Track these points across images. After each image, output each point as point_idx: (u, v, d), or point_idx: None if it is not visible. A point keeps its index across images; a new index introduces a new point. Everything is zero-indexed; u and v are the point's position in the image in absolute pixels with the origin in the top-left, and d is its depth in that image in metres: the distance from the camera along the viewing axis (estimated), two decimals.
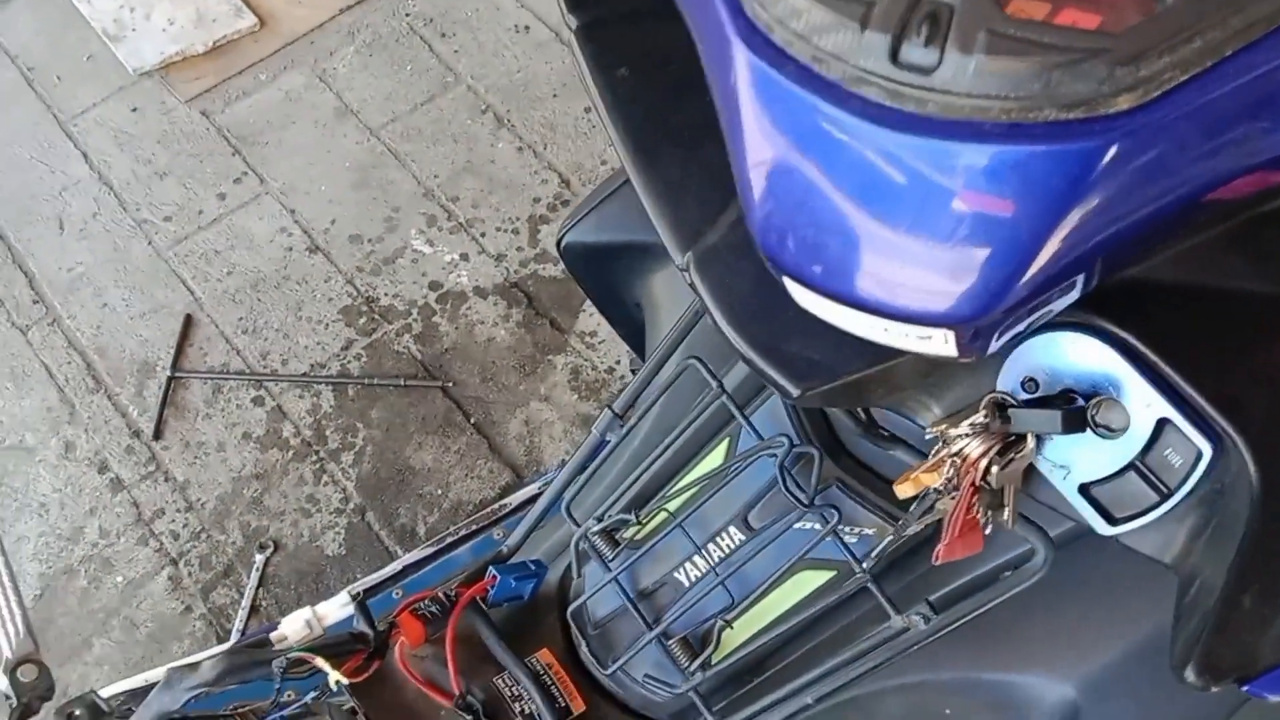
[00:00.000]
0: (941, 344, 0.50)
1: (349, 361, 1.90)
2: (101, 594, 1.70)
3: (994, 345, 0.53)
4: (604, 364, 1.88)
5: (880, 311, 0.50)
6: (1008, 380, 0.69)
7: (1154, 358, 0.59)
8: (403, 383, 1.86)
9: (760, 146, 0.48)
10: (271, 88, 2.19)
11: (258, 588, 1.69)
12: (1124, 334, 0.59)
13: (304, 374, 1.88)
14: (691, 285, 0.65)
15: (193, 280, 1.98)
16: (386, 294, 1.96)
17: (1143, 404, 0.63)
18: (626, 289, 1.07)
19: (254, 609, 1.68)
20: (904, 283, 0.47)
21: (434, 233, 2.02)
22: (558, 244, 1.09)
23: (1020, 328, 0.52)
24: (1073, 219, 0.42)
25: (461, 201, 2.06)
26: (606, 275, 1.08)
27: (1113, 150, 0.40)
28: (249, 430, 1.83)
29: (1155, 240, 0.47)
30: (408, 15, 2.28)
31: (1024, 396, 0.68)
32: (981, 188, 0.42)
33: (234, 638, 1.63)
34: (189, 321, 1.93)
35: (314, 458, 1.81)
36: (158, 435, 1.83)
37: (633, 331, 1.13)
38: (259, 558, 1.71)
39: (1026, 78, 0.39)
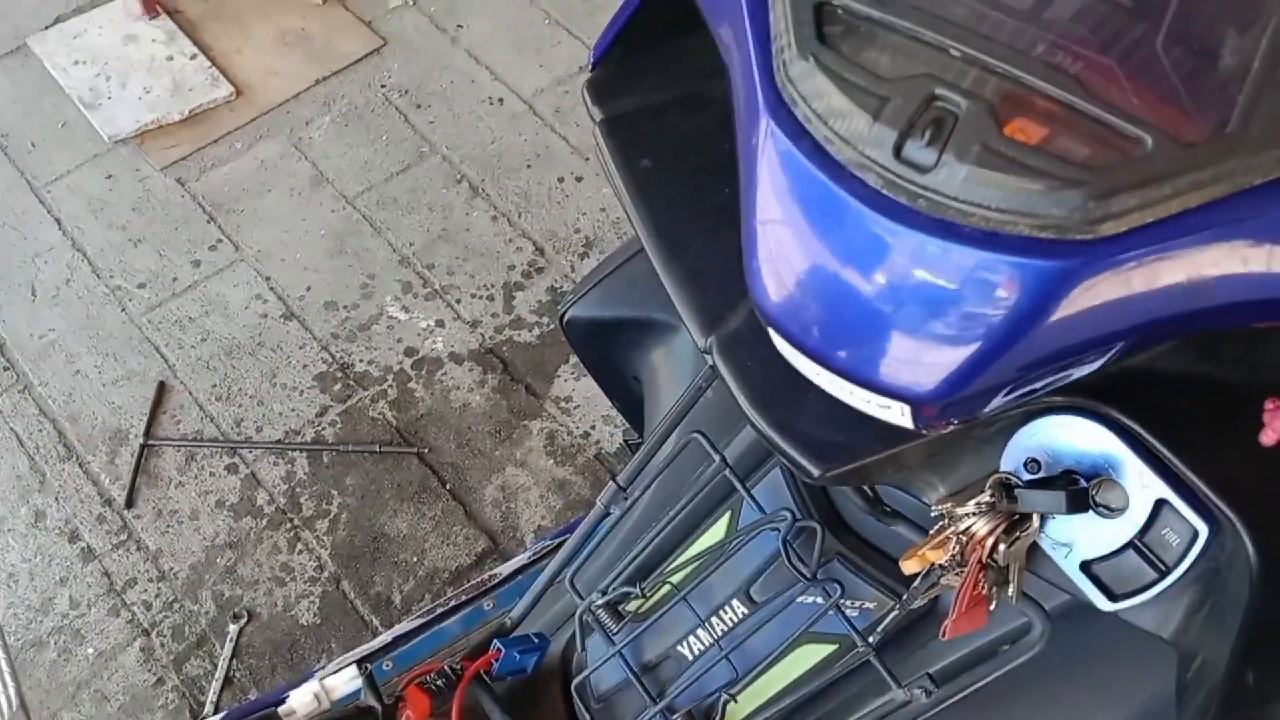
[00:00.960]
0: (899, 415, 0.54)
1: (324, 428, 1.90)
2: (72, 666, 1.67)
3: (952, 425, 0.56)
4: (579, 429, 1.90)
5: (846, 374, 0.53)
6: (1010, 461, 0.72)
7: (1152, 441, 0.62)
8: (378, 449, 1.86)
9: (767, 205, 0.52)
10: (247, 156, 2.21)
11: (231, 658, 1.67)
12: (1122, 418, 0.63)
13: (278, 441, 1.88)
14: (713, 368, 0.68)
15: (166, 347, 1.97)
16: (362, 360, 1.97)
17: (1141, 485, 0.66)
18: (627, 363, 1.10)
19: (228, 680, 1.65)
20: (868, 353, 0.51)
21: (409, 299, 2.04)
22: (560, 319, 1.12)
23: (984, 412, 0.56)
24: (1028, 330, 0.46)
25: (437, 269, 2.08)
26: (608, 350, 1.11)
27: (1073, 273, 0.44)
28: (222, 498, 1.82)
29: (1123, 350, 0.51)
30: (383, 87, 2.32)
31: (1027, 477, 0.71)
32: (948, 284, 0.46)
33: (208, 709, 1.60)
34: (162, 388, 1.92)
35: (288, 525, 1.80)
36: (130, 503, 1.81)
37: (630, 405, 1.16)
38: (233, 628, 1.69)
39: (1008, 194, 0.43)
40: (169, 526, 1.79)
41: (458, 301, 2.04)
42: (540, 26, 2.42)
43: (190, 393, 1.93)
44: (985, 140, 0.44)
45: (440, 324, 2.01)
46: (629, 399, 1.16)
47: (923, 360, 0.49)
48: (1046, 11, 0.46)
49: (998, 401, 0.55)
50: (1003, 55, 0.45)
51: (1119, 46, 0.45)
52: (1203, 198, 0.43)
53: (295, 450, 1.87)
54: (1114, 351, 0.53)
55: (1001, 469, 0.72)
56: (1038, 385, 0.55)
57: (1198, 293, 0.47)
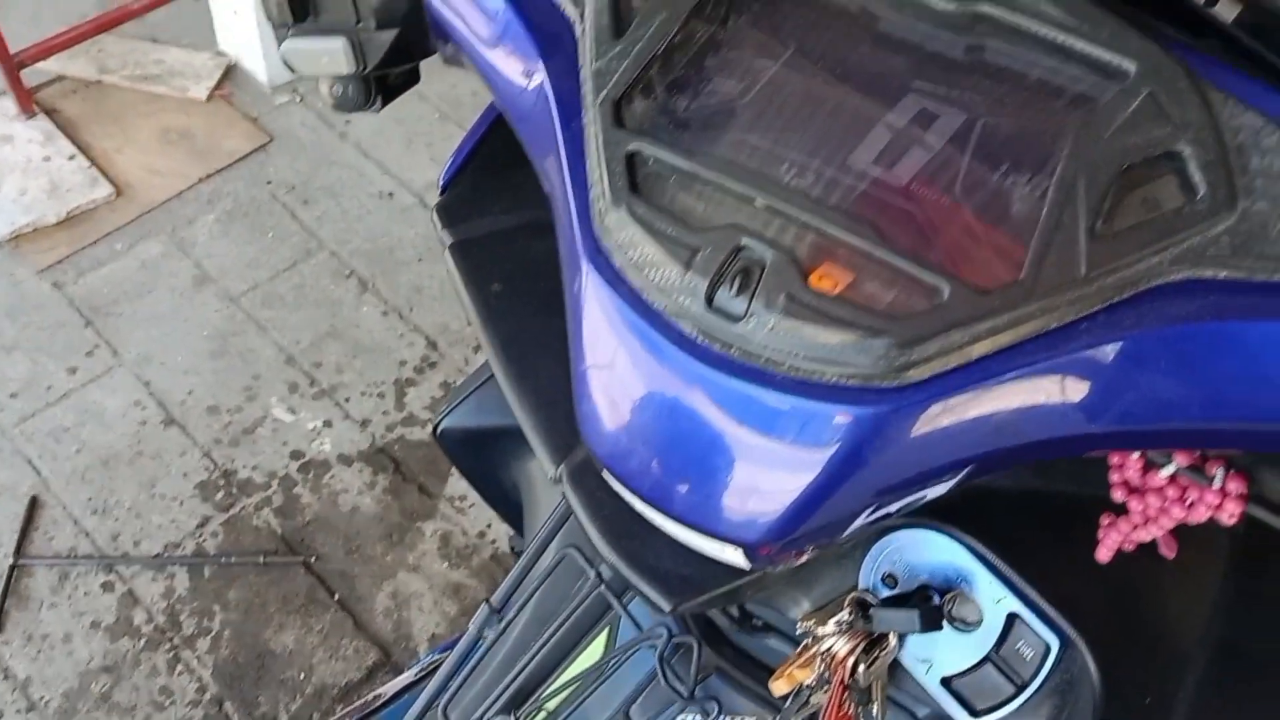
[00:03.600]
0: (733, 554, 0.54)
1: (205, 539, 1.83)
2: None
3: (794, 562, 0.57)
4: (474, 529, 1.87)
5: (677, 519, 0.53)
6: (868, 576, 0.72)
7: (994, 560, 0.63)
8: (262, 560, 1.80)
9: (590, 350, 0.51)
10: (128, 257, 2.16)
11: None
12: (965, 538, 0.64)
13: (157, 555, 1.80)
14: (564, 497, 0.67)
15: (39, 459, 1.89)
16: (245, 466, 1.91)
17: (993, 599, 0.67)
18: (505, 472, 1.08)
19: None
20: (696, 499, 0.51)
21: (296, 400, 2.00)
22: (434, 430, 1.10)
23: (827, 545, 0.56)
24: (845, 475, 0.46)
25: (325, 367, 2.04)
26: (484, 459, 1.09)
27: (882, 419, 0.45)
28: (98, 618, 1.73)
29: (944, 483, 0.52)
30: (269, 183, 2.29)
31: (885, 592, 0.72)
32: (765, 432, 0.46)
33: None
34: (34, 503, 1.84)
35: (168, 645, 1.72)
36: None
37: (512, 512, 1.14)
38: None
39: (814, 344, 0.44)
40: (40, 651, 1.70)
41: (347, 400, 2.00)
42: (430, 120, 2.43)
43: (64, 507, 1.85)
44: (790, 290, 0.45)
45: (328, 424, 1.97)
46: (511, 507, 1.14)
47: (748, 506, 0.49)
48: (848, 159, 0.47)
49: (839, 535, 0.55)
50: (803, 204, 0.46)
51: (916, 194, 0.45)
52: (1000, 343, 0.44)
53: (175, 564, 1.80)
54: (959, 476, 0.54)
55: (860, 585, 0.73)
56: (879, 516, 0.55)
57: (1010, 431, 0.47)
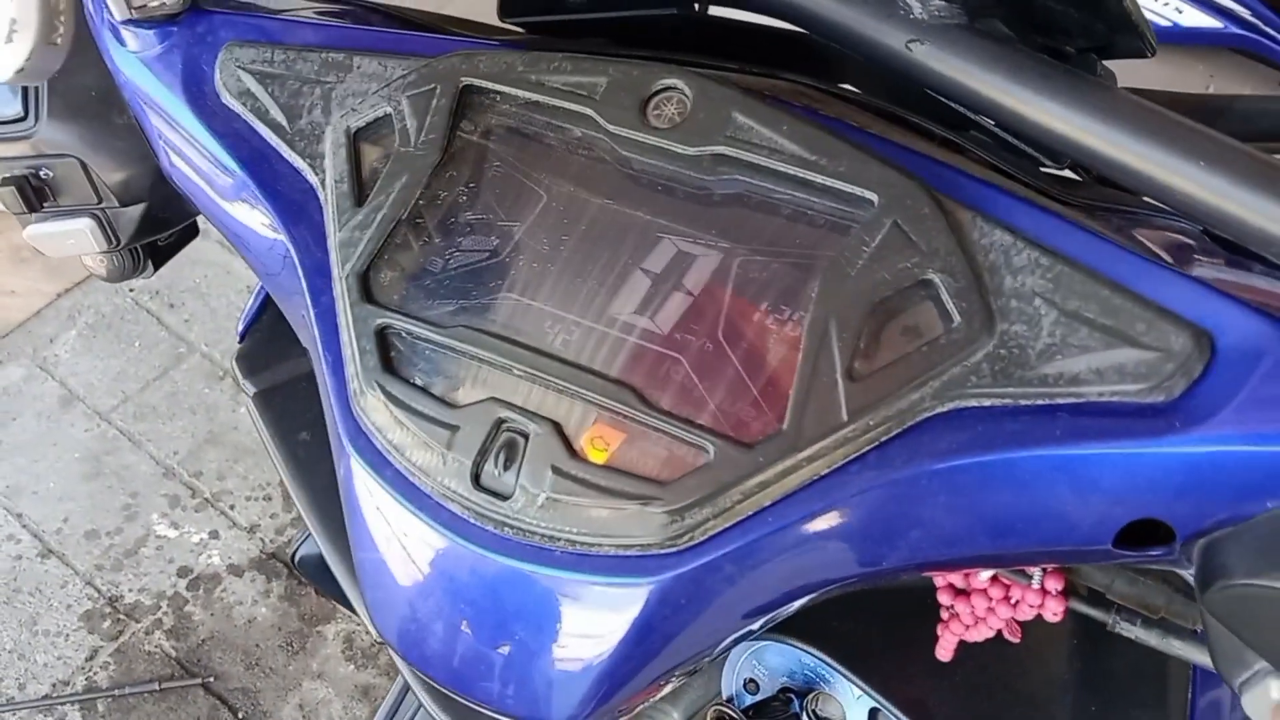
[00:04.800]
0: None
1: (95, 673, 1.74)
2: None
3: (653, 698, 0.54)
4: None
5: (483, 706, 0.50)
6: (730, 683, 0.71)
7: (840, 669, 0.61)
8: (158, 687, 1.72)
9: (363, 538, 0.49)
10: None
11: None
12: (812, 650, 0.62)
13: (44, 696, 1.71)
14: (397, 663, 0.64)
15: None
16: (131, 589, 1.83)
17: (853, 696, 0.66)
18: None
19: None
20: (496, 686, 0.48)
21: (178, 514, 1.92)
22: (291, 559, 1.05)
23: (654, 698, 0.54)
24: (641, 644, 0.45)
25: (206, 475, 1.97)
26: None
27: (666, 587, 0.43)
28: None
29: (769, 616, 0.50)
30: (131, 291, 2.22)
31: (747, 700, 0.70)
32: (549, 610, 0.45)
33: None
34: None
35: None
36: None
37: None
38: None
39: (586, 518, 0.42)
40: None
41: (232, 508, 1.93)
42: None
43: None
44: (555, 463, 0.43)
45: (214, 535, 1.90)
46: None
47: (553, 688, 0.47)
48: (607, 310, 0.45)
49: (687, 670, 0.53)
50: (561, 372, 0.44)
51: (677, 343, 0.44)
52: (773, 495, 0.42)
53: (66, 703, 1.70)
54: (789, 608, 0.52)
55: (722, 693, 0.71)
56: (731, 642, 0.53)
57: (804, 574, 0.46)
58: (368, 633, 1.80)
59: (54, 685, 1.73)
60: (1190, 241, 0.48)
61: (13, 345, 2.12)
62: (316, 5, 0.58)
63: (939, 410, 0.42)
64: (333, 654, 1.78)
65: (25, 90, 0.52)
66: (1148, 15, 0.98)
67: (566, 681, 0.46)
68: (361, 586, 0.50)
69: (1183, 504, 0.41)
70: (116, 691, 1.71)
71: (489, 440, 0.43)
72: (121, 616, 1.80)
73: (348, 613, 1.82)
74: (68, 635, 1.78)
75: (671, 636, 0.45)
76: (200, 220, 0.65)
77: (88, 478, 1.95)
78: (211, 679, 1.74)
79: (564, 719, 0.47)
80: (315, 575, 1.07)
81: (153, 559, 1.86)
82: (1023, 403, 0.42)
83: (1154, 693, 0.65)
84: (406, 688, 0.94)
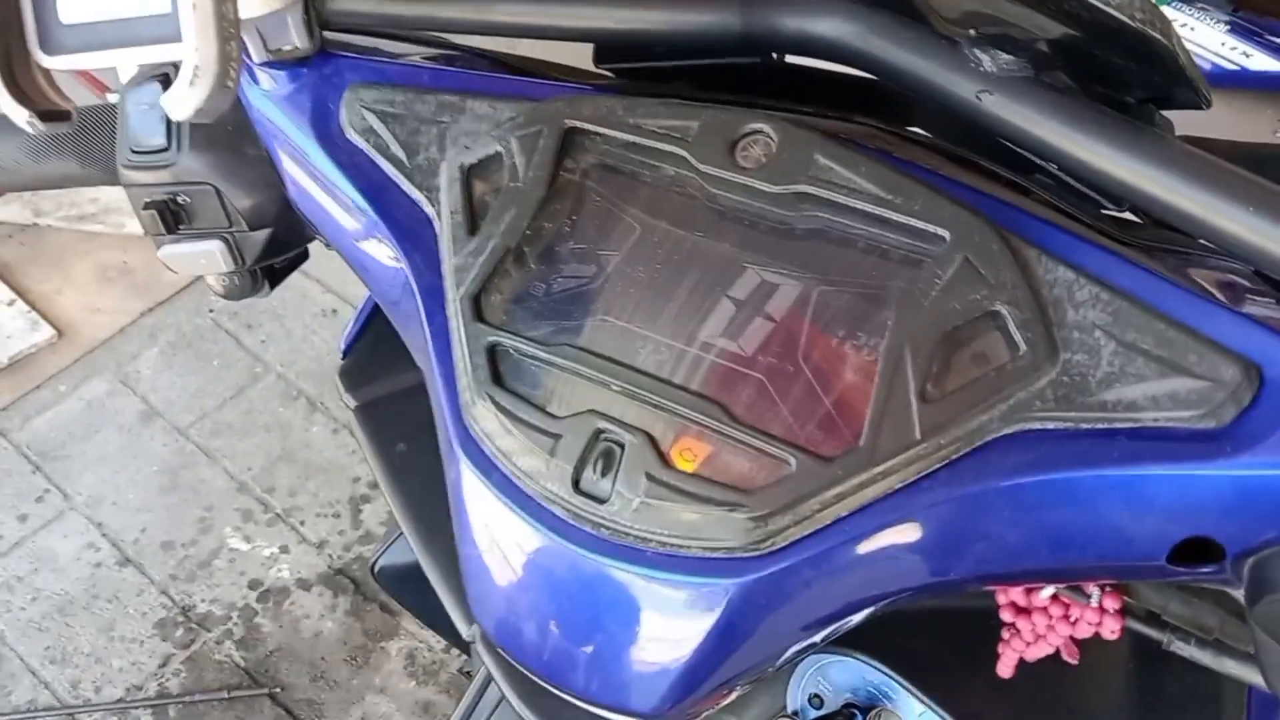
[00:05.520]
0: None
1: (167, 679, 1.81)
2: None
3: (720, 704, 0.58)
4: (440, 643, 1.86)
5: (574, 696, 0.54)
6: (795, 698, 0.73)
7: (903, 682, 0.64)
8: (227, 695, 1.78)
9: (471, 535, 0.53)
10: (72, 398, 2.15)
11: None
12: (876, 664, 0.65)
13: (119, 700, 1.78)
14: (480, 657, 0.68)
15: None
16: (204, 600, 1.90)
17: (915, 714, 0.68)
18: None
19: None
20: (588, 677, 0.52)
21: (250, 528, 1.99)
22: (371, 568, 1.10)
23: (745, 685, 0.57)
24: (723, 643, 0.48)
25: (278, 491, 2.04)
26: (426, 592, 1.09)
27: (749, 588, 0.46)
28: None
29: (840, 625, 0.53)
30: (211, 311, 2.31)
31: (812, 714, 0.73)
32: (641, 608, 0.48)
33: None
34: None
35: None
36: None
37: (460, 638, 1.14)
38: None
39: (676, 521, 0.46)
40: None
41: (302, 524, 2.00)
42: None
43: (21, 659, 1.82)
44: (649, 471, 0.47)
45: (285, 550, 1.96)
46: (459, 634, 1.14)
47: (637, 681, 0.50)
48: (695, 334, 0.49)
49: (753, 678, 0.56)
50: (654, 387, 0.48)
51: (761, 365, 0.48)
52: (850, 506, 0.46)
53: (138, 707, 1.77)
54: (857, 617, 0.55)
55: (787, 708, 0.74)
56: (796, 652, 0.56)
57: (877, 582, 0.49)
58: (429, 650, 1.85)
59: (128, 689, 1.79)
60: (1242, 281, 0.51)
61: (98, 361, 2.22)
62: (430, 49, 0.63)
63: (1005, 431, 0.46)
64: (395, 669, 1.83)
65: (169, 123, 0.58)
66: (1216, 60, 1.01)
67: (651, 673, 0.50)
68: (465, 580, 0.54)
69: (1232, 523, 0.44)
70: (187, 698, 1.77)
71: (588, 449, 0.48)
72: (194, 626, 1.87)
73: (411, 629, 1.87)
74: (142, 642, 1.85)
75: (749, 635, 0.48)
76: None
77: (165, 490, 2.03)
78: (278, 690, 1.79)
79: (646, 709, 0.51)
80: (394, 585, 1.12)
81: (225, 571, 1.93)
82: (1084, 426, 0.45)
83: (1209, 714, 0.67)
84: (479, 694, 0.97)
